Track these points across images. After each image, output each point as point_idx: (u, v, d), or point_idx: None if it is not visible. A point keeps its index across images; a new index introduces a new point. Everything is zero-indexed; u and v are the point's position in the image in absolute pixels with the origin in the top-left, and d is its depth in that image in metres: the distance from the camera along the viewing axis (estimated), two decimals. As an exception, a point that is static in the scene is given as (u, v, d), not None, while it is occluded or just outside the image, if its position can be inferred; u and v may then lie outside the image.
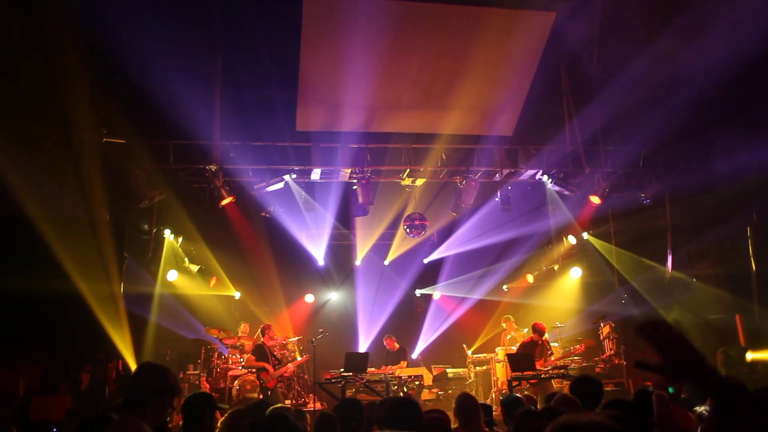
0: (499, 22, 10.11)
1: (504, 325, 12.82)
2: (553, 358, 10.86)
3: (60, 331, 9.57)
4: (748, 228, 10.41)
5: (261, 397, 10.13)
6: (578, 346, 11.35)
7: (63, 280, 8.74)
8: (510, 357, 10.13)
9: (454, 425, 5.09)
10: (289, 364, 10.96)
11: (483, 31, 10.09)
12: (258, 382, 10.43)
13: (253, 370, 10.49)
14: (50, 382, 9.69)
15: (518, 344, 12.15)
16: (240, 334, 11.89)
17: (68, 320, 9.39)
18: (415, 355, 13.94)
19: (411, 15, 9.86)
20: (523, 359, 9.83)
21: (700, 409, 4.93)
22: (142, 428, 2.96)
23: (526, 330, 12.77)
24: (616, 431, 1.77)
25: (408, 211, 12.40)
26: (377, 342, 13.00)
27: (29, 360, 9.58)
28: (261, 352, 10.52)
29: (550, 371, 9.81)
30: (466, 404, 5.05)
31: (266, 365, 10.35)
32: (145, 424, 2.98)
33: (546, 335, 11.00)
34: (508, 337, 12.62)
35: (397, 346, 12.16)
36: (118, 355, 10.09)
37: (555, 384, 9.88)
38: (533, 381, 9.76)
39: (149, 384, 3.08)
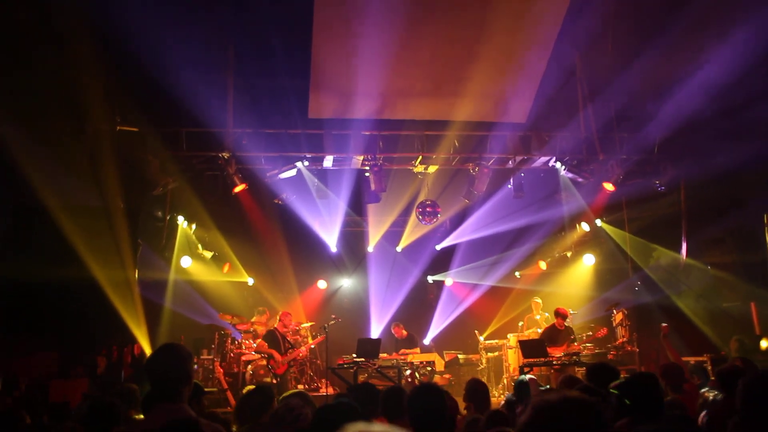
0: (513, 7, 9.97)
1: (533, 308, 12.77)
2: (576, 344, 10.89)
3: (76, 317, 9.74)
4: (765, 215, 10.31)
5: (274, 382, 10.25)
6: (601, 330, 11.38)
7: (79, 268, 8.88)
8: (522, 343, 10.15)
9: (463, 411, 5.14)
10: (302, 348, 11.05)
11: (496, 16, 9.95)
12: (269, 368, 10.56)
13: (264, 355, 10.61)
14: (68, 367, 9.87)
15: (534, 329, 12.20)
16: (254, 319, 12.00)
17: (84, 306, 9.55)
18: (427, 341, 13.98)
19: (423, 1, 9.78)
20: (535, 346, 9.83)
21: (707, 393, 4.95)
22: (183, 409, 2.89)
23: (548, 314, 12.80)
24: (588, 403, 1.80)
25: (420, 198, 12.37)
26: (389, 328, 13.06)
27: (47, 345, 9.76)
28: (272, 338, 10.62)
29: (563, 358, 9.81)
30: (477, 389, 5.10)
31: (274, 352, 10.45)
32: (186, 407, 2.92)
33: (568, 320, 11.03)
34: (537, 317, 12.57)
35: (405, 333, 12.20)
36: (133, 340, 10.25)
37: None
38: (556, 367, 9.73)
39: (179, 371, 2.94)
